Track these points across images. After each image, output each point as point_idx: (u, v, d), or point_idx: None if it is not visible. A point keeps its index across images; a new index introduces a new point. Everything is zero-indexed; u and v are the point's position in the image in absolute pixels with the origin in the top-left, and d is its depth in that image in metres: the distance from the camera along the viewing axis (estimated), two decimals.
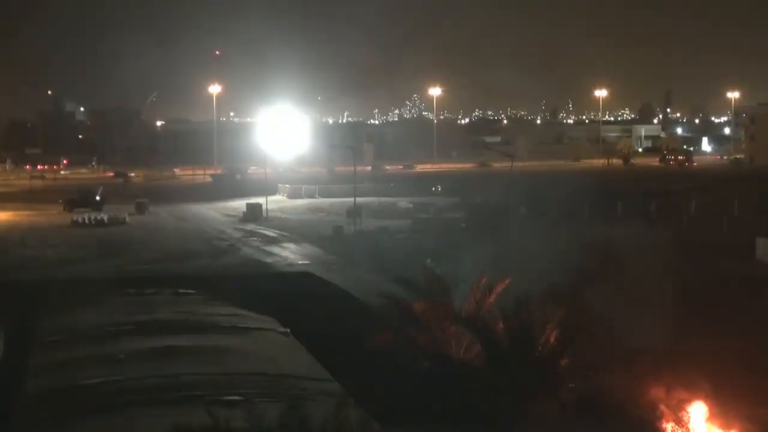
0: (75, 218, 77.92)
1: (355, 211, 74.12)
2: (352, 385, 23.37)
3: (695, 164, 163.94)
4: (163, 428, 17.27)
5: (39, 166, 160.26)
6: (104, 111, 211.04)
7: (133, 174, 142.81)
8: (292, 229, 72.31)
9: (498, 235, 47.97)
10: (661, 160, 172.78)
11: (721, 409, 23.15)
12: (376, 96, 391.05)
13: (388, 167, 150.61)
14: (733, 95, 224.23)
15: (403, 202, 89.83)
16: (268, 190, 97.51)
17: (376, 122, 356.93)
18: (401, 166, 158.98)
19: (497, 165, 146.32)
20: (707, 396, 23.17)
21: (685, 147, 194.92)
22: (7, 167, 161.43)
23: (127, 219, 78.49)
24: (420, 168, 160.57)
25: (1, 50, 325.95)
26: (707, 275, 44.35)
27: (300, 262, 55.59)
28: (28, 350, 29.14)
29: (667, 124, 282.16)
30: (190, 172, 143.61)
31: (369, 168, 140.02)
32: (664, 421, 22.73)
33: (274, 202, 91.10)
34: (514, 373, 22.98)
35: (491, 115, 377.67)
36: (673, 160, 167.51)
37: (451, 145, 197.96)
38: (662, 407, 22.74)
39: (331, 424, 16.19)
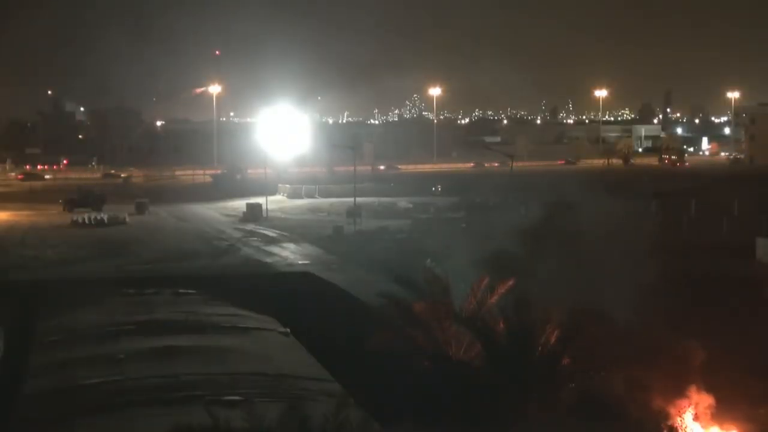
0: (75, 218, 77.92)
1: (355, 211, 74.15)
2: (352, 385, 23.35)
3: (687, 164, 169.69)
4: (163, 428, 17.26)
5: (39, 166, 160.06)
6: (104, 111, 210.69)
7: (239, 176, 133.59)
8: (292, 229, 72.30)
9: (497, 235, 47.87)
10: (659, 160, 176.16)
11: (720, 408, 23.13)
12: (376, 96, 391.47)
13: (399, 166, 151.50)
14: (733, 95, 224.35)
15: (403, 202, 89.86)
16: (268, 190, 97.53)
17: (376, 122, 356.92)
18: (496, 164, 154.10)
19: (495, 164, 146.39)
20: (706, 395, 23.15)
21: (684, 147, 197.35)
22: (7, 167, 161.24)
23: (127, 219, 78.48)
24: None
25: (1, 50, 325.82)
26: (707, 275, 44.37)
27: (300, 262, 55.59)
28: (28, 350, 29.12)
29: (667, 124, 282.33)
30: (190, 172, 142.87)
31: (370, 168, 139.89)
32: (664, 420, 22.72)
33: (274, 202, 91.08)
34: (515, 373, 22.96)
35: (491, 115, 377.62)
36: (667, 159, 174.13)
37: (451, 145, 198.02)
38: (662, 407, 22.73)
39: (331, 424, 16.17)
